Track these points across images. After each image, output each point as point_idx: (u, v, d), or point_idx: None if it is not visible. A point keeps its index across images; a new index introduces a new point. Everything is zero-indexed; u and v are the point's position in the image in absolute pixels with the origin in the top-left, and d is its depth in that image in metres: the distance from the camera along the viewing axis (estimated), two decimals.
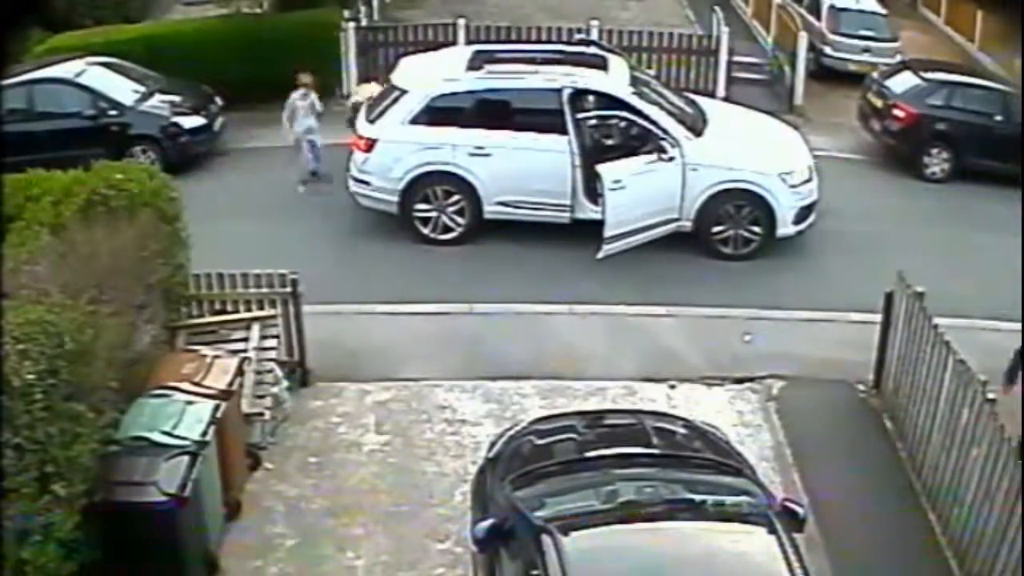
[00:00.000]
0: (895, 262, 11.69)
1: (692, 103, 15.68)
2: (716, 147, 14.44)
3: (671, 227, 14.27)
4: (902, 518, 9.81)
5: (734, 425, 10.86)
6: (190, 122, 17.26)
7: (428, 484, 10.09)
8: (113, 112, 16.88)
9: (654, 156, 14.02)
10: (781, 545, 7.29)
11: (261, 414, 10.43)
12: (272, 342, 11.03)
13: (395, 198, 14.57)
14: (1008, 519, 8.30)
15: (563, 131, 14.28)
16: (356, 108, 16.21)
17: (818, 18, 22.89)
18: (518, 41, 19.57)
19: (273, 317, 11.21)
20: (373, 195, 14.71)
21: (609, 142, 14.95)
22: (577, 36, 18.69)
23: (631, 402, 11.28)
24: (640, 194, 13.79)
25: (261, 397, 10.54)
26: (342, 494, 9.97)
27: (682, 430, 9.34)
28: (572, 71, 14.78)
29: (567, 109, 14.30)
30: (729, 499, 7.90)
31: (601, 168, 13.73)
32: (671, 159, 14.03)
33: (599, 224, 13.71)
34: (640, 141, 14.43)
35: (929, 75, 18.86)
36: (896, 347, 11.04)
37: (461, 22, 20.19)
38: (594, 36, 19.81)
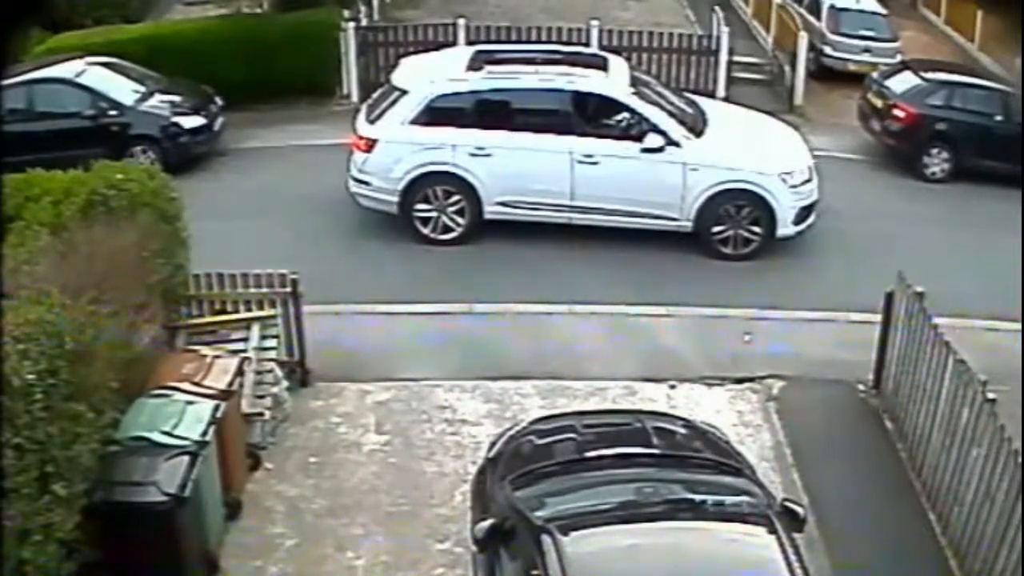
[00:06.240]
0: (895, 262, 11.68)
1: (692, 103, 15.67)
2: (716, 147, 14.44)
3: (660, 222, 14.27)
4: (902, 518, 9.81)
5: (734, 425, 10.85)
6: (190, 122, 17.23)
7: (428, 484, 10.09)
8: (113, 112, 16.85)
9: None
10: (781, 545, 7.29)
11: (261, 414, 10.43)
12: (272, 342, 11.03)
13: (395, 198, 14.54)
14: (1008, 519, 8.29)
15: (563, 131, 14.29)
16: None
17: (818, 18, 22.88)
18: (518, 41, 19.56)
19: (273, 317, 11.22)
20: (373, 195, 14.69)
21: None
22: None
23: (631, 402, 11.27)
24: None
25: (261, 397, 10.54)
26: (342, 494, 9.96)
27: (682, 430, 9.33)
28: (572, 71, 14.79)
29: (567, 109, 14.29)
30: (729, 499, 7.91)
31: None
32: (660, 149, 14.06)
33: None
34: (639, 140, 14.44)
35: (929, 75, 18.87)
36: (896, 347, 11.03)
37: (461, 22, 20.17)
38: (594, 36, 19.85)
